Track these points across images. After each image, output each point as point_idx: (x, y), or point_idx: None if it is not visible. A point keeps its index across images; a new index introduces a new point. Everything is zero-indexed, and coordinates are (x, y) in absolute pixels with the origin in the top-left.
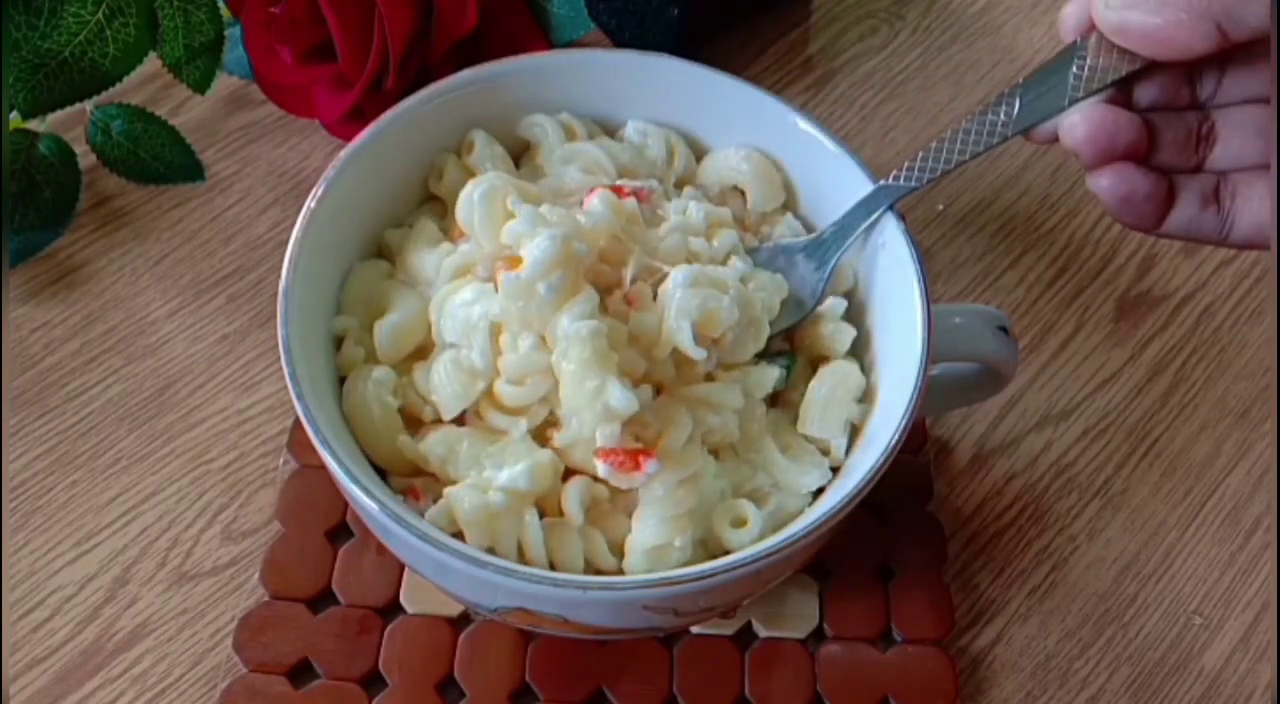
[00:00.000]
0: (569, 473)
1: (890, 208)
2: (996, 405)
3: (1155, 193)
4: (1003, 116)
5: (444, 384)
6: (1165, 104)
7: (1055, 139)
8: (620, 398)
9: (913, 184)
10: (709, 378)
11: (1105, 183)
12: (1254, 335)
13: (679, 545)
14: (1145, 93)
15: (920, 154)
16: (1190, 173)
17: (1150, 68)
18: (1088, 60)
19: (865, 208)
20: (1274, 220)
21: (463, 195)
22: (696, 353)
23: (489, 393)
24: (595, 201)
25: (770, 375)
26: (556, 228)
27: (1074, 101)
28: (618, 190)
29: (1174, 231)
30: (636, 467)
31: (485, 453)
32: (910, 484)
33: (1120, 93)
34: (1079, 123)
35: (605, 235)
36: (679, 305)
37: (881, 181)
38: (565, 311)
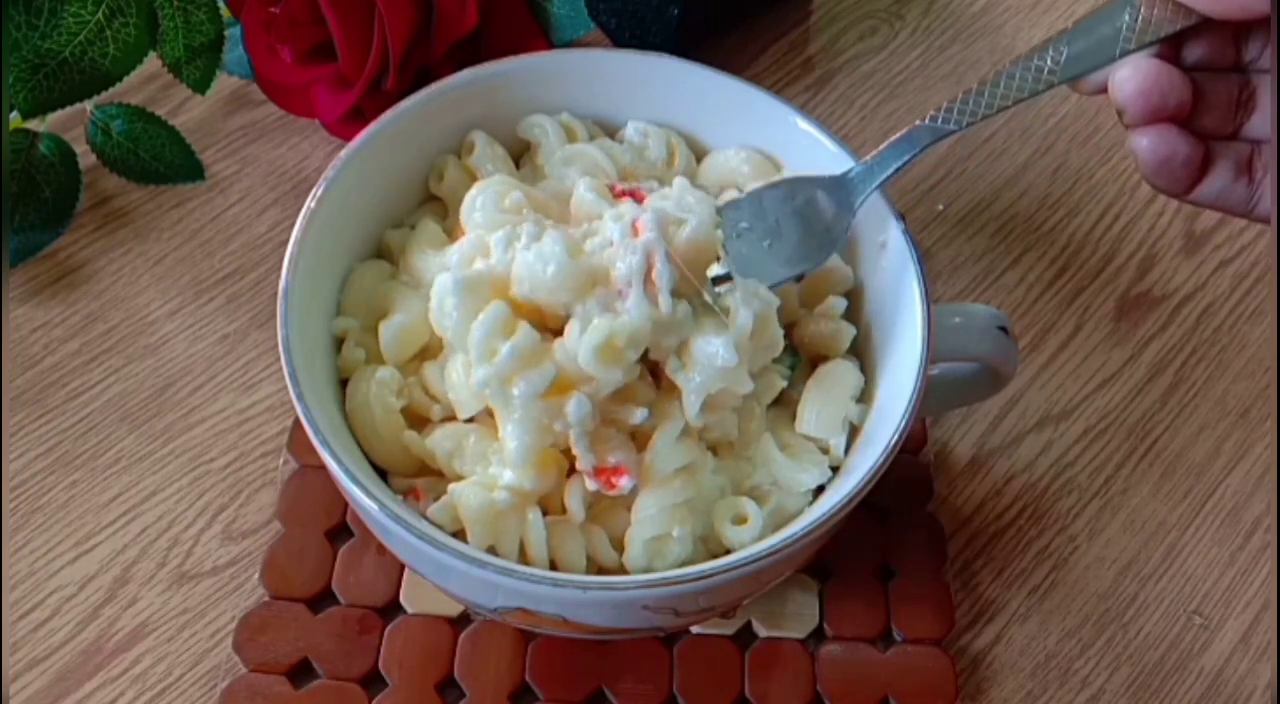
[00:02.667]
0: (572, 469)
1: (925, 149)
2: (996, 405)
3: (1193, 157)
4: (1049, 63)
5: (463, 384)
6: (1210, 64)
7: (1102, 90)
8: (512, 478)
9: (952, 126)
10: None
11: (1146, 142)
12: (1254, 335)
13: (677, 535)
14: (1193, 51)
15: (962, 96)
16: (1226, 139)
17: (1202, 25)
18: (1140, 12)
19: (900, 147)
20: (1274, 219)
21: (467, 199)
22: (697, 422)
23: None
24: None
25: (775, 386)
26: (453, 263)
27: (1124, 53)
28: (612, 191)
29: (1202, 200)
30: (612, 485)
31: (492, 449)
32: (910, 484)
33: (1169, 48)
34: (1130, 76)
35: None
36: (698, 383)
37: (919, 121)
38: (472, 345)
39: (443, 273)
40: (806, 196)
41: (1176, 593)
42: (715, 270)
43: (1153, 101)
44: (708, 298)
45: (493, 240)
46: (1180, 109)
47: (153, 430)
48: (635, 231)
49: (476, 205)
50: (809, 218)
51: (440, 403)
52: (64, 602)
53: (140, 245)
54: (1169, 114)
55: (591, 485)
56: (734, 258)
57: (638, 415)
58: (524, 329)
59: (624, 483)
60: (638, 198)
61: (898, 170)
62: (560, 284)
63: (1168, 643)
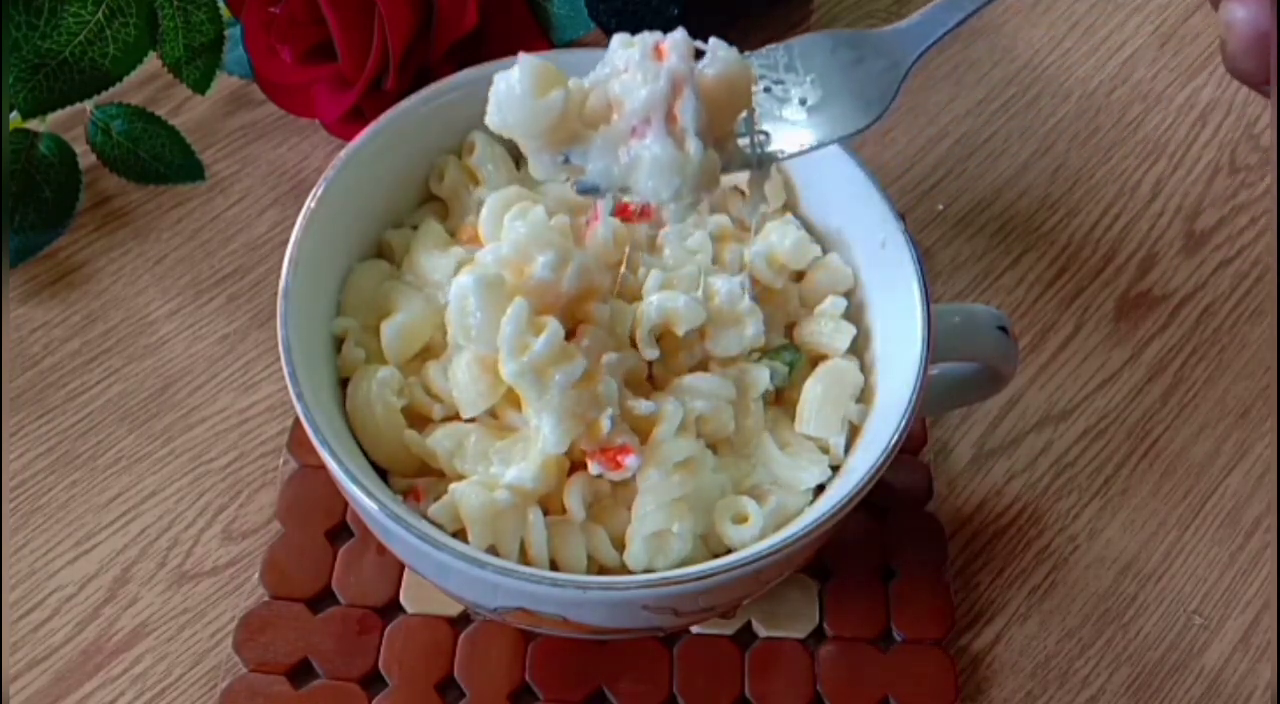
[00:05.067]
0: (572, 469)
1: (972, 14)
2: (996, 405)
3: None
4: None
5: (469, 384)
6: None
7: None
8: (517, 473)
9: None
10: (704, 370)
11: (1243, 14)
12: (1254, 335)
13: (677, 531)
14: None
15: None
16: None
17: None
18: None
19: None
20: (1275, 218)
21: (489, 206)
22: (647, 352)
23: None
24: (599, 227)
25: (762, 375)
26: (486, 263)
27: None
28: (623, 209)
29: None
30: (618, 465)
31: (493, 448)
32: (910, 484)
33: None
34: None
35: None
36: (644, 310)
37: None
38: (502, 341)
39: (463, 273)
40: (852, 53)
41: (1176, 593)
42: (743, 127)
43: None
44: (733, 155)
45: (541, 260)
46: None
47: (153, 430)
48: (659, 54)
49: (514, 215)
50: (854, 77)
51: (442, 402)
52: (64, 602)
53: (140, 245)
54: None
55: (596, 469)
56: (765, 116)
57: (643, 406)
58: (553, 324)
59: (630, 462)
60: (647, 215)
61: (959, 24)
62: (533, 122)
63: (1168, 643)
